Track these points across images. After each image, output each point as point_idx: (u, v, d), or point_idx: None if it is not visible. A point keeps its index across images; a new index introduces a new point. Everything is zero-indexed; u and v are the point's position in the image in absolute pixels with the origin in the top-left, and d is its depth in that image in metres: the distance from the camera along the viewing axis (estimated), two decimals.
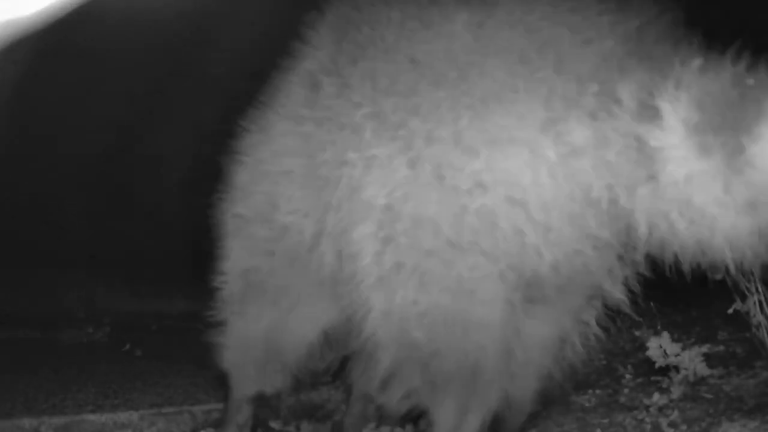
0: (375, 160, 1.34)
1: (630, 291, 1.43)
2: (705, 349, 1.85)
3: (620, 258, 1.34)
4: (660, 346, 1.80)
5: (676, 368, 1.79)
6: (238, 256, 1.67)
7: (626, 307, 1.48)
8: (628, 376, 1.93)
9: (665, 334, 1.83)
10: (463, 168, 1.26)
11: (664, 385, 1.77)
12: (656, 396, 1.67)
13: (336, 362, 1.65)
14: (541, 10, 1.34)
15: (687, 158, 1.15)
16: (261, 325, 1.60)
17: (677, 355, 1.80)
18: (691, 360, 1.78)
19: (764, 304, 1.85)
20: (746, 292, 1.87)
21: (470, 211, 1.26)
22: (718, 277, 1.89)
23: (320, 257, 1.43)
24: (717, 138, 1.11)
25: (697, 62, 1.20)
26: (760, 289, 1.85)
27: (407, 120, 1.32)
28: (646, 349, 1.83)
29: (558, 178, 1.24)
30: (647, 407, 1.64)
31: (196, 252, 2.33)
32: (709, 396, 1.68)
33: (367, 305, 1.32)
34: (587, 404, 1.75)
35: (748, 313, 1.89)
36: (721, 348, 2.13)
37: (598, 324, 1.54)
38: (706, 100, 1.15)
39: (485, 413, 1.33)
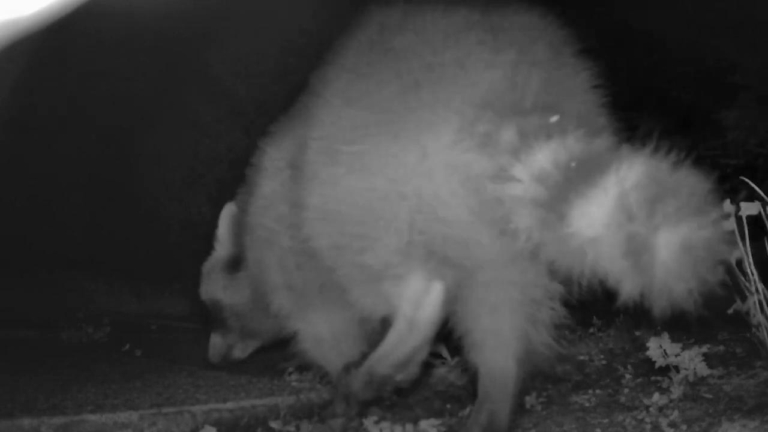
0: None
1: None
2: (705, 349, 1.85)
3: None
4: (660, 346, 1.81)
5: (676, 368, 1.79)
6: (276, 272, 1.85)
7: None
8: (628, 376, 1.93)
9: (665, 334, 1.83)
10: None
11: (664, 385, 1.77)
12: (656, 396, 1.67)
13: None
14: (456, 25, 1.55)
15: (533, 206, 1.30)
16: (325, 327, 1.82)
17: (677, 355, 1.80)
18: (691, 360, 1.79)
19: (764, 304, 1.85)
20: (746, 292, 1.87)
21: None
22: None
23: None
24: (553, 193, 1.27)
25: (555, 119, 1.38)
26: (760, 289, 1.85)
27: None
28: (646, 349, 1.83)
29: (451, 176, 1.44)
30: (647, 407, 1.64)
31: (195, 252, 2.33)
32: (709, 396, 1.68)
33: None
34: (587, 404, 1.75)
35: (748, 313, 1.89)
36: (721, 348, 2.13)
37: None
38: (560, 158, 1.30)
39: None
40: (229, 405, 1.74)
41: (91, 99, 2.72)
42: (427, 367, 2.11)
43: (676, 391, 1.70)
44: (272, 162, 1.92)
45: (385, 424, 1.59)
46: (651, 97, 3.61)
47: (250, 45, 3.27)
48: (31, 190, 2.88)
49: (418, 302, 1.49)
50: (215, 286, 2.16)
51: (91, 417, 1.61)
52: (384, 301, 1.55)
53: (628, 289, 1.23)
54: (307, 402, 1.79)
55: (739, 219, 1.86)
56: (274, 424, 1.62)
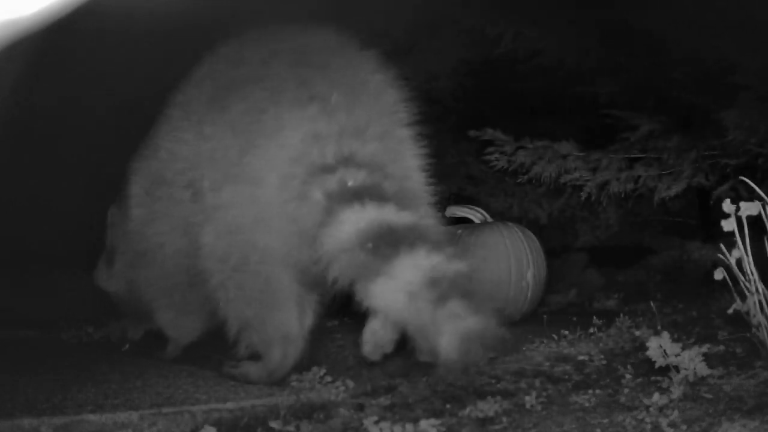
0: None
1: None
2: (705, 349, 1.85)
3: None
4: (660, 346, 1.81)
5: (676, 368, 1.79)
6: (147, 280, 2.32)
7: None
8: (628, 376, 1.93)
9: (665, 334, 1.83)
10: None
11: (664, 385, 1.77)
12: (656, 396, 1.67)
13: None
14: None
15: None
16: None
17: (677, 355, 1.80)
18: (691, 360, 1.79)
19: (764, 304, 1.86)
20: (746, 292, 1.87)
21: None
22: (719, 277, 1.90)
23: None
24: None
25: None
26: (760, 289, 1.85)
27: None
28: (646, 349, 1.83)
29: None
30: (647, 407, 1.64)
31: None
32: (709, 396, 1.68)
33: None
34: (587, 404, 1.75)
35: (748, 313, 1.89)
36: (721, 348, 2.13)
37: None
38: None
39: None
40: (229, 405, 1.74)
41: (91, 99, 2.72)
42: (427, 367, 2.12)
43: (676, 391, 1.70)
44: (137, 187, 2.26)
45: (385, 424, 1.59)
46: (651, 97, 3.61)
47: None
48: (32, 189, 2.88)
49: (278, 365, 1.95)
50: (100, 276, 2.52)
51: (91, 417, 1.61)
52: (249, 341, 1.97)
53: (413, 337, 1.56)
54: (307, 402, 1.79)
55: (739, 219, 1.86)
56: (274, 424, 1.62)
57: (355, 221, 1.59)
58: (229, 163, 1.82)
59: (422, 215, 1.72)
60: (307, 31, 1.99)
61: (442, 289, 1.50)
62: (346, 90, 1.81)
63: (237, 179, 1.80)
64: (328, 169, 1.69)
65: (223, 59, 2.01)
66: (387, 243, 1.55)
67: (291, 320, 1.91)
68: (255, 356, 2.01)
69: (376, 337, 1.82)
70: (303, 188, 1.71)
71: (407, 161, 1.90)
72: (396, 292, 1.51)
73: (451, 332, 1.47)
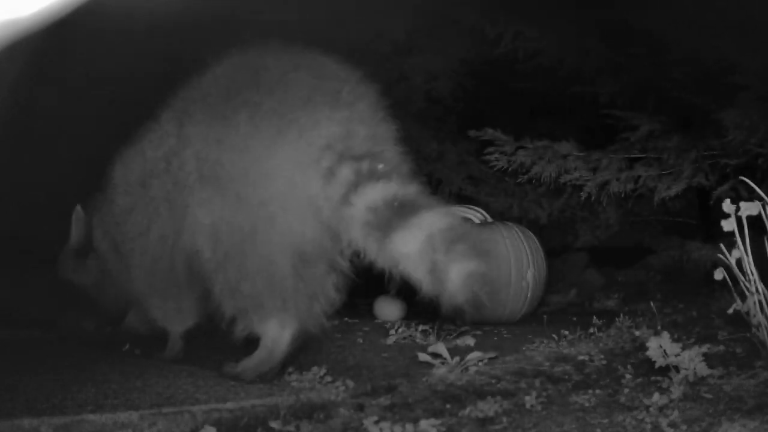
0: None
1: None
2: (705, 349, 1.85)
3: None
4: (660, 346, 1.81)
5: (676, 368, 1.80)
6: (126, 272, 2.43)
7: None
8: (628, 376, 1.93)
9: (665, 334, 1.83)
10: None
11: (664, 385, 1.77)
12: (656, 396, 1.67)
13: None
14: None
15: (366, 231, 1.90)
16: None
17: (677, 355, 1.80)
18: (691, 360, 1.79)
19: (764, 304, 1.86)
20: (746, 292, 1.87)
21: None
22: (719, 277, 1.90)
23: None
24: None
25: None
26: (760, 289, 1.86)
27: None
28: (646, 349, 1.84)
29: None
30: (647, 407, 1.64)
31: None
32: (709, 396, 1.68)
33: None
34: (587, 404, 1.75)
35: (748, 313, 1.89)
36: (721, 348, 2.14)
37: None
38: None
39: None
40: (229, 405, 1.74)
41: (91, 99, 2.71)
42: (427, 367, 2.12)
43: (676, 391, 1.70)
44: (123, 179, 2.36)
45: (385, 424, 1.59)
46: (651, 97, 3.61)
47: (250, 45, 3.26)
48: (31, 189, 2.88)
49: (275, 341, 2.04)
50: (65, 269, 2.64)
51: (91, 417, 1.61)
52: (245, 321, 2.07)
53: (426, 290, 1.79)
54: (307, 402, 1.79)
55: (739, 219, 1.86)
56: (274, 424, 1.62)
57: (382, 190, 1.89)
58: (247, 149, 2.01)
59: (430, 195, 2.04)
60: (311, 51, 2.24)
61: (453, 236, 1.79)
62: (366, 101, 2.14)
63: (264, 158, 1.99)
64: (357, 158, 1.96)
65: (246, 64, 2.20)
66: (409, 205, 1.86)
67: (288, 300, 2.03)
68: (249, 347, 2.08)
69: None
70: (332, 171, 1.95)
71: (403, 160, 2.15)
72: (416, 238, 1.80)
73: (458, 269, 1.74)
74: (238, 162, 2.01)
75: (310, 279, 2.08)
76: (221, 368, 2.10)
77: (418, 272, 1.79)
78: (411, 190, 1.93)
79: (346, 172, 1.94)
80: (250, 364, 2.05)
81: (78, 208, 2.59)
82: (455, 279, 1.74)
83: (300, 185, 1.97)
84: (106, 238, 2.47)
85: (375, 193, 1.90)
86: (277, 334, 2.04)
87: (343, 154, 1.96)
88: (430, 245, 1.77)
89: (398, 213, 1.84)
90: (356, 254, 2.00)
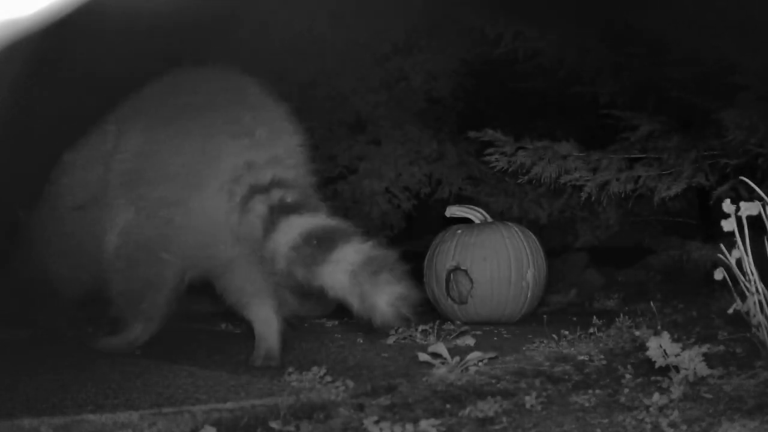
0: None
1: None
2: (705, 349, 1.85)
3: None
4: (660, 346, 1.81)
5: (676, 368, 1.79)
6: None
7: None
8: (628, 376, 1.93)
9: (665, 334, 1.83)
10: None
11: (664, 385, 1.77)
12: (656, 396, 1.67)
13: None
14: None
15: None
16: None
17: (677, 355, 1.80)
18: (691, 360, 1.79)
19: (764, 304, 1.86)
20: (746, 292, 1.87)
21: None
22: (719, 277, 1.90)
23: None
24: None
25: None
26: (760, 289, 1.85)
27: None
28: (646, 349, 1.83)
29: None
30: (647, 407, 1.64)
31: None
32: (709, 396, 1.68)
33: None
34: (587, 404, 1.75)
35: (748, 313, 1.89)
36: (721, 348, 2.13)
37: None
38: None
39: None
40: (229, 405, 1.74)
41: (91, 99, 2.71)
42: (427, 367, 2.12)
43: (676, 391, 1.70)
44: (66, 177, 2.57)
45: (385, 424, 1.59)
46: (651, 97, 3.61)
47: (250, 45, 3.27)
48: (31, 190, 2.88)
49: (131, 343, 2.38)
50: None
51: (91, 417, 1.61)
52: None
53: (358, 312, 1.92)
54: (307, 402, 1.79)
55: (739, 219, 1.86)
56: (274, 424, 1.62)
57: (299, 226, 2.05)
58: (172, 171, 2.25)
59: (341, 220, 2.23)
60: (233, 73, 2.46)
61: (375, 268, 1.92)
62: (268, 128, 2.30)
63: (176, 184, 2.24)
64: (263, 190, 2.15)
65: (168, 86, 2.42)
66: (327, 239, 2.01)
67: (162, 304, 2.33)
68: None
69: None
70: (245, 203, 2.16)
71: (310, 179, 2.38)
72: (341, 272, 1.94)
73: (385, 297, 1.89)
74: (154, 180, 2.26)
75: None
76: (89, 341, 2.47)
77: (348, 300, 1.95)
78: (322, 220, 2.09)
79: (259, 207, 2.14)
80: (112, 341, 2.39)
81: (21, 209, 2.75)
82: (383, 305, 1.89)
83: (209, 212, 2.21)
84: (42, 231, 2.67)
85: (292, 231, 2.05)
86: (139, 333, 2.36)
87: (252, 187, 2.16)
88: (356, 279, 1.92)
89: (318, 249, 2.00)
90: None
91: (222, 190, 2.20)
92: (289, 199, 2.14)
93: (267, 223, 2.11)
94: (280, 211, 2.11)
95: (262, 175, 2.19)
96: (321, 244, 2.01)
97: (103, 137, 2.47)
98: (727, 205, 1.87)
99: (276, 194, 2.15)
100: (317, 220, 2.09)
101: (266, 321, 2.33)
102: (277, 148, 2.28)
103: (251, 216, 2.15)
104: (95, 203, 2.42)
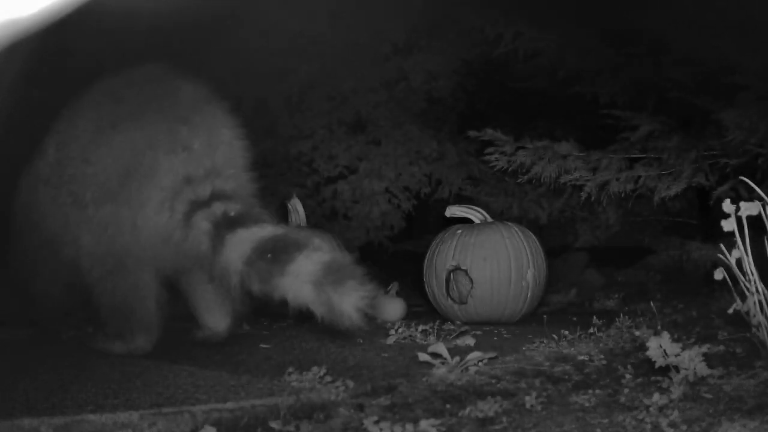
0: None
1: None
2: (705, 349, 1.85)
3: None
4: (660, 346, 1.81)
5: (676, 368, 1.79)
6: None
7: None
8: (628, 376, 1.93)
9: (665, 334, 1.83)
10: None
11: (664, 385, 1.77)
12: (656, 396, 1.67)
13: None
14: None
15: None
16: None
17: (677, 355, 1.80)
18: (691, 360, 1.79)
19: (764, 304, 1.86)
20: (746, 292, 1.87)
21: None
22: (719, 277, 1.90)
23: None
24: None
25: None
26: (760, 289, 1.85)
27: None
28: (646, 349, 1.83)
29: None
30: (647, 407, 1.64)
31: None
32: (709, 396, 1.68)
33: None
34: (587, 404, 1.75)
35: (748, 313, 1.89)
36: (721, 348, 2.13)
37: None
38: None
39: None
40: (229, 405, 1.74)
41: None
42: (427, 367, 2.12)
43: (676, 391, 1.70)
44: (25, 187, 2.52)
45: (385, 424, 1.59)
46: (651, 97, 3.61)
47: (250, 45, 3.27)
48: (26, 191, 2.87)
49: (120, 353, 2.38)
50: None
51: (91, 417, 1.61)
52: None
53: (322, 317, 1.98)
54: (307, 402, 1.79)
55: (739, 219, 1.86)
56: (274, 424, 1.62)
57: (249, 239, 2.07)
58: (111, 189, 2.24)
59: (288, 227, 2.32)
60: (173, 80, 2.42)
61: (338, 276, 1.96)
62: (205, 139, 2.29)
63: (118, 202, 2.23)
64: (204, 205, 2.17)
65: (109, 93, 2.38)
66: (281, 251, 2.02)
67: (152, 314, 2.35)
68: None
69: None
70: (187, 218, 2.17)
71: (250, 188, 2.38)
72: (304, 283, 1.97)
73: (351, 302, 1.93)
74: (97, 200, 2.26)
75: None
76: (90, 341, 2.46)
77: (313, 307, 1.99)
78: (269, 230, 2.10)
79: (203, 224, 2.16)
80: (115, 345, 2.37)
81: None
82: (352, 312, 1.94)
83: (150, 229, 2.23)
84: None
85: (242, 245, 2.07)
86: (142, 343, 2.36)
87: (192, 203, 2.18)
88: (321, 288, 1.96)
89: (274, 262, 2.01)
90: None
91: (163, 207, 2.21)
92: (232, 213, 2.14)
93: (214, 239, 2.12)
94: (225, 225, 2.12)
95: (202, 189, 2.19)
96: (276, 257, 2.02)
97: (49, 144, 2.43)
98: (727, 205, 1.87)
99: (218, 208, 2.16)
100: (265, 231, 2.10)
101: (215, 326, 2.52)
102: (215, 159, 2.27)
103: (195, 232, 2.17)
104: (63, 206, 2.37)
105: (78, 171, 2.31)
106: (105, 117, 2.31)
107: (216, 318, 2.51)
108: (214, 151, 2.28)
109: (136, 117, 2.28)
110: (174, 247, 2.23)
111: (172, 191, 2.20)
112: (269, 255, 2.03)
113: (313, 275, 1.98)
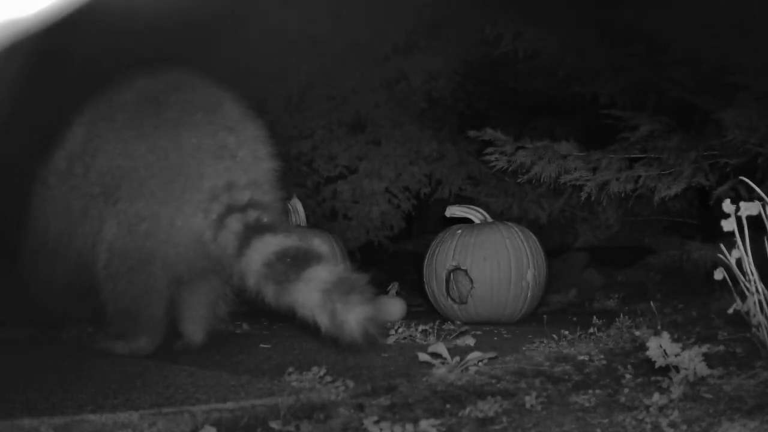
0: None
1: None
2: (705, 349, 1.85)
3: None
4: (660, 346, 1.81)
5: (676, 368, 1.79)
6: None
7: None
8: (628, 376, 1.93)
9: (665, 334, 1.83)
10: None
11: (664, 385, 1.77)
12: (656, 396, 1.67)
13: None
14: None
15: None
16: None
17: (677, 355, 1.80)
18: (691, 360, 1.79)
19: (764, 304, 1.86)
20: (746, 292, 1.87)
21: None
22: (719, 277, 1.90)
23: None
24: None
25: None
26: (760, 289, 1.86)
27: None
28: (646, 349, 1.83)
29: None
30: (647, 407, 1.64)
31: None
32: (709, 396, 1.68)
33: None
34: (587, 404, 1.75)
35: (748, 313, 1.89)
36: (721, 348, 2.13)
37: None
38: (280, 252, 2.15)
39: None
40: (229, 405, 1.74)
41: (92, 99, 2.71)
42: (427, 367, 2.12)
43: (676, 391, 1.70)
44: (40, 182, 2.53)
45: (385, 424, 1.59)
46: (651, 97, 3.61)
47: (250, 45, 3.27)
48: (31, 189, 2.88)
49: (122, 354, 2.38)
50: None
51: (91, 417, 1.61)
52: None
53: (325, 330, 2.04)
54: (307, 402, 1.79)
55: (739, 219, 1.86)
56: (274, 424, 1.62)
57: (274, 244, 2.15)
58: (151, 186, 2.28)
59: (313, 244, 2.40)
60: (215, 90, 2.48)
61: (347, 288, 2.03)
62: (249, 151, 2.37)
63: (155, 199, 2.27)
64: (240, 209, 2.25)
65: (149, 95, 2.41)
66: (300, 258, 2.11)
67: (160, 316, 2.36)
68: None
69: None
70: (221, 220, 2.24)
71: (282, 205, 2.47)
72: (313, 290, 2.04)
73: (355, 316, 1.99)
74: (133, 195, 2.29)
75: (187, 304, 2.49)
76: (91, 341, 2.47)
77: (318, 318, 2.05)
78: (296, 241, 2.19)
79: (235, 225, 2.22)
80: (116, 345, 2.38)
81: None
82: (353, 324, 2.00)
83: (185, 228, 2.27)
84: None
85: (267, 248, 2.15)
86: (145, 345, 2.37)
87: (229, 206, 2.25)
88: (328, 298, 2.03)
89: (291, 267, 2.10)
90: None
91: (199, 208, 2.26)
92: (265, 219, 2.23)
93: (241, 240, 2.19)
94: (255, 230, 2.20)
95: (240, 196, 2.27)
96: (294, 262, 2.10)
97: (72, 138, 2.45)
98: (727, 205, 1.87)
99: (252, 214, 2.24)
100: (291, 240, 2.17)
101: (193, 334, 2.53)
102: (256, 171, 2.36)
103: (226, 232, 2.23)
104: (77, 210, 2.39)
105: (113, 165, 2.32)
106: (147, 117, 2.35)
107: (194, 329, 2.53)
108: (256, 163, 2.37)
109: (182, 122, 2.34)
110: (201, 246, 2.27)
111: (211, 194, 2.26)
112: (288, 259, 2.11)
113: (325, 283, 2.04)
